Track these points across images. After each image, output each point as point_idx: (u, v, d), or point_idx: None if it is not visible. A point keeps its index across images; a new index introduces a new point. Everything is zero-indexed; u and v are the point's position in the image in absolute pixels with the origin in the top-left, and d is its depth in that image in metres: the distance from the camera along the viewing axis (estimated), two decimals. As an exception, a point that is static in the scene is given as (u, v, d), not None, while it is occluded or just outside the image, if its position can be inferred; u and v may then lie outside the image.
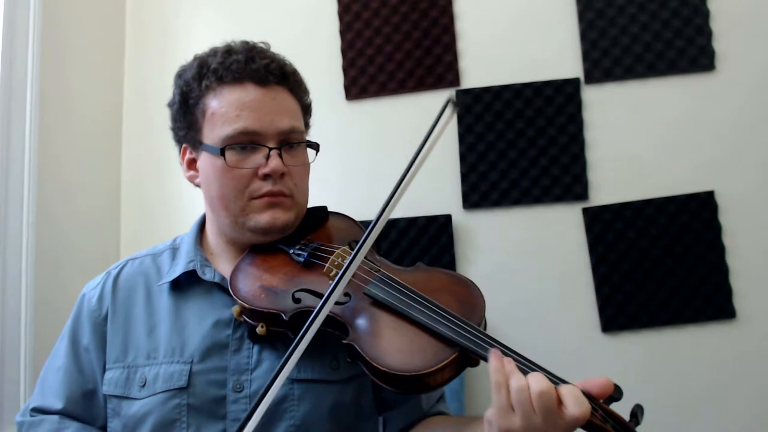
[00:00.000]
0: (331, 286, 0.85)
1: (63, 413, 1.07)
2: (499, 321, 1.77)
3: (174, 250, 1.16)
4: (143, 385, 1.01)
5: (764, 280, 1.74)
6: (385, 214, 0.89)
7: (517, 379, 0.75)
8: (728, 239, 1.77)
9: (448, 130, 1.91)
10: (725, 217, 1.78)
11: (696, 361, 1.75)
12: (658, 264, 1.79)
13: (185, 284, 1.08)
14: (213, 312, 1.05)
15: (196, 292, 1.08)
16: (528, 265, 1.87)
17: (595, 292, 1.81)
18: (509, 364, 0.78)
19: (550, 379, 0.75)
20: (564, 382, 0.77)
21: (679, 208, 1.79)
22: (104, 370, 1.07)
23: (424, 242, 1.91)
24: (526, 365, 0.79)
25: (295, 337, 0.81)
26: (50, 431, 1.05)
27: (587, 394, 0.75)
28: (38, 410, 1.09)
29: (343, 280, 0.85)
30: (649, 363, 1.77)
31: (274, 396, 0.80)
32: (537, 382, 0.74)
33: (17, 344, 1.65)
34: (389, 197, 0.90)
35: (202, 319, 1.04)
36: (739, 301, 1.74)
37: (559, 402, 0.73)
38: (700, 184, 1.80)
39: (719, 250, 1.76)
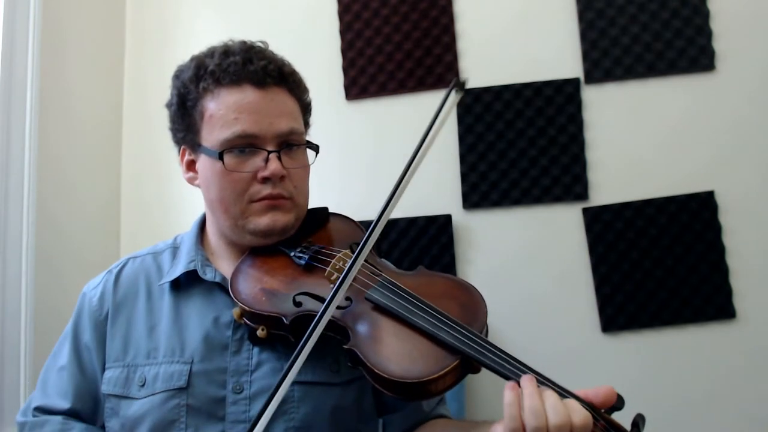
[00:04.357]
0: (331, 294, 0.84)
1: (69, 413, 1.07)
2: (499, 321, 1.77)
3: (175, 249, 1.16)
4: (143, 385, 1.01)
5: (764, 280, 1.74)
6: (385, 213, 0.89)
7: (537, 419, 0.74)
8: (728, 239, 1.76)
9: (449, 129, 1.92)
10: (725, 217, 1.77)
11: (696, 361, 1.75)
12: (658, 264, 1.78)
13: (186, 284, 1.08)
14: (213, 312, 1.05)
15: (196, 291, 1.08)
16: (528, 265, 1.86)
17: (595, 292, 1.81)
18: (530, 382, 0.77)
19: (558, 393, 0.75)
20: (566, 390, 0.77)
21: (679, 208, 1.79)
22: (104, 369, 1.07)
23: (424, 242, 1.91)
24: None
25: (296, 341, 0.81)
26: (54, 431, 1.04)
27: (589, 404, 0.75)
28: (42, 410, 1.09)
29: (342, 287, 0.85)
30: (649, 363, 1.77)
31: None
32: (556, 415, 0.73)
33: (17, 344, 1.65)
34: (391, 194, 0.90)
35: (202, 319, 1.04)
36: (739, 301, 1.74)
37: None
38: (700, 184, 1.80)
39: (719, 250, 1.76)
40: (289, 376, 0.78)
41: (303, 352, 0.79)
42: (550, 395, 0.75)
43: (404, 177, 0.93)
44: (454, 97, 1.02)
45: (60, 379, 1.09)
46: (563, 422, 0.72)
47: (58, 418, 1.07)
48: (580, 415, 0.73)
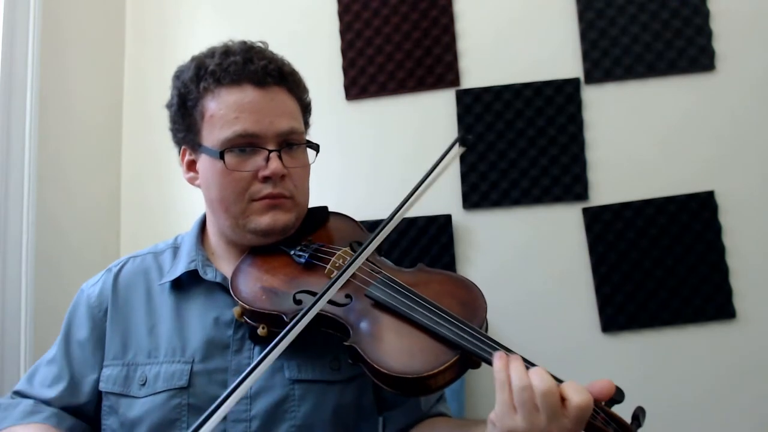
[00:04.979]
0: (327, 285, 0.85)
1: (46, 402, 1.07)
2: (499, 321, 1.77)
3: (175, 249, 1.16)
4: (143, 384, 1.01)
5: (764, 280, 1.74)
6: (386, 228, 0.89)
7: (519, 377, 0.75)
8: (728, 239, 1.77)
9: (448, 130, 1.92)
10: (725, 217, 1.78)
11: (696, 361, 1.75)
12: (658, 264, 1.79)
13: (186, 283, 1.08)
14: (214, 312, 1.05)
15: (197, 291, 1.08)
16: (528, 265, 1.87)
17: (595, 292, 1.81)
18: (515, 361, 0.78)
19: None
20: (561, 382, 0.77)
21: (679, 208, 1.79)
22: (101, 367, 1.07)
23: (424, 242, 1.91)
24: (527, 367, 0.79)
25: (297, 339, 0.81)
26: (25, 413, 1.04)
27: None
28: (20, 394, 1.10)
29: (339, 280, 0.85)
30: (649, 363, 1.77)
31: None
32: (541, 380, 0.74)
33: (17, 344, 1.65)
34: (389, 217, 0.90)
35: (203, 318, 1.04)
36: (739, 301, 1.74)
37: (562, 399, 0.73)
38: (700, 184, 1.80)
39: (719, 250, 1.76)
40: (274, 352, 0.77)
41: (292, 332, 0.79)
42: (538, 368, 0.76)
43: (410, 196, 0.94)
44: (456, 151, 1.03)
45: (46, 371, 1.09)
46: (549, 387, 0.73)
47: (30, 401, 1.07)
48: (580, 394, 0.73)
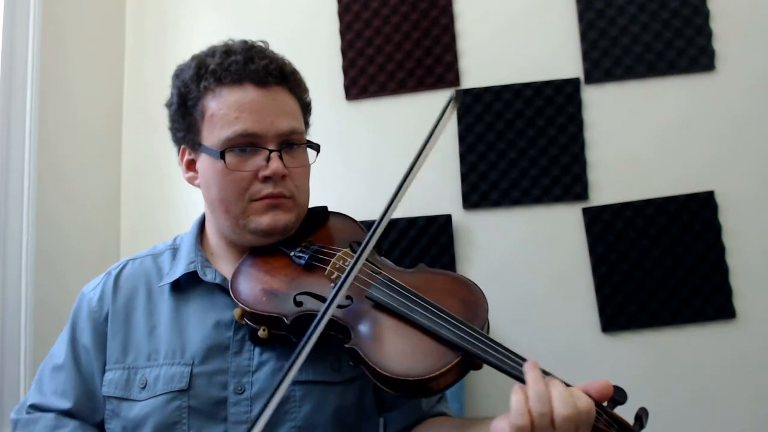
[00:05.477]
0: (332, 294, 0.83)
1: (66, 413, 1.07)
2: (499, 321, 1.77)
3: (174, 250, 1.16)
4: (144, 387, 1.01)
5: (764, 280, 1.74)
6: (386, 215, 0.89)
7: (541, 402, 0.74)
8: (728, 239, 1.77)
9: (448, 130, 1.92)
10: (725, 217, 1.78)
11: (696, 361, 1.75)
12: (658, 264, 1.79)
13: (186, 285, 1.08)
14: (214, 313, 1.05)
15: (196, 292, 1.07)
16: (528, 265, 1.87)
17: (595, 292, 1.81)
18: (534, 367, 0.77)
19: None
20: (565, 384, 0.77)
21: (679, 208, 1.79)
22: (104, 371, 1.06)
23: (424, 242, 1.91)
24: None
25: (297, 341, 0.80)
26: (47, 427, 1.04)
27: (591, 399, 0.75)
28: (37, 408, 1.09)
29: (344, 287, 0.84)
30: (649, 363, 1.77)
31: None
32: (563, 405, 0.72)
33: (17, 344, 1.65)
34: (391, 198, 0.90)
35: (203, 320, 1.04)
36: (739, 301, 1.74)
37: None
38: (700, 184, 1.80)
39: (719, 250, 1.76)
40: (288, 376, 0.77)
41: (303, 351, 0.79)
42: (558, 384, 0.75)
43: (405, 181, 0.93)
44: (451, 109, 1.02)
45: (56, 379, 1.09)
46: (570, 413, 0.72)
47: (51, 414, 1.06)
48: (583, 401, 0.73)
